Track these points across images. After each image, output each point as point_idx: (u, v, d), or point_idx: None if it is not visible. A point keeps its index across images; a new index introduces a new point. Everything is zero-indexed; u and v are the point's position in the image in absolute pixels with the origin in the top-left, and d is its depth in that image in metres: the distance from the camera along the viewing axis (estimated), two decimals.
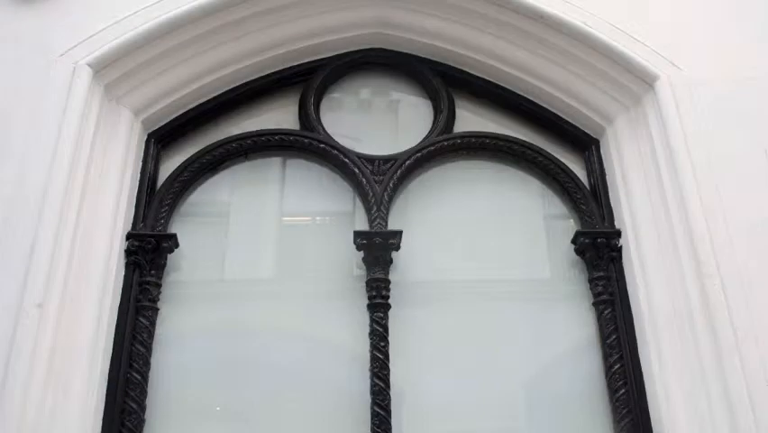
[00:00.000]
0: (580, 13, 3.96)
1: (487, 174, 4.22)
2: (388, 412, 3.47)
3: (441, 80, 4.33)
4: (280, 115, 4.28)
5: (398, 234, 3.83)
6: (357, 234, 3.83)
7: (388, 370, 3.55)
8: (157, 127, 4.08)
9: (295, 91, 4.31)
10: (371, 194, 3.94)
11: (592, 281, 3.83)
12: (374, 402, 3.48)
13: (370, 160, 4.04)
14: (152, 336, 3.60)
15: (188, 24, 3.90)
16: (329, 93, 4.40)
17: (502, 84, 4.29)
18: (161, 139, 4.10)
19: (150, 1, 3.85)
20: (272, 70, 4.26)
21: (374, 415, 3.46)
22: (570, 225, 4.08)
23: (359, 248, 3.82)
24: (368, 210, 3.92)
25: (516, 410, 3.65)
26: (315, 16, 4.18)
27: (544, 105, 4.25)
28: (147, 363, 3.53)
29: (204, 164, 4.07)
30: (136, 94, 3.91)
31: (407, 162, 4.05)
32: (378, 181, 3.97)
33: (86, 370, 3.27)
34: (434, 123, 4.26)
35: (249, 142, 4.12)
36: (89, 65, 3.69)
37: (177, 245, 3.85)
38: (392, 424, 3.46)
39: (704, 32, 4.01)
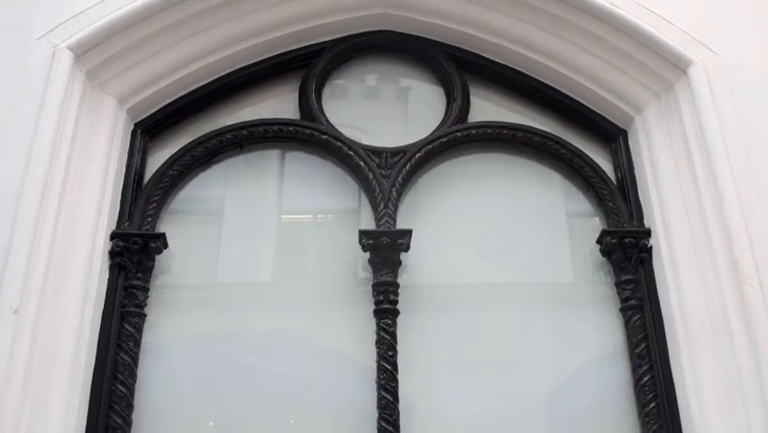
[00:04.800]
0: None
1: (504, 168, 4.21)
2: (397, 428, 3.45)
3: (454, 66, 4.31)
4: (279, 104, 4.27)
5: (408, 233, 3.82)
6: (363, 234, 3.81)
7: (397, 382, 3.53)
8: (144, 117, 4.06)
9: (295, 77, 4.30)
10: (378, 190, 3.92)
11: (619, 285, 3.81)
12: (381, 417, 3.47)
13: (377, 152, 4.03)
14: (139, 345, 3.59)
15: (178, 4, 3.89)
16: (332, 79, 4.38)
17: (521, 69, 4.29)
18: (149, 130, 4.08)
19: None
20: (270, 55, 4.25)
21: (381, 431, 3.44)
22: (595, 224, 4.08)
23: (365, 249, 3.81)
24: (374, 207, 3.91)
25: (537, 426, 3.64)
26: None
27: (567, 93, 4.25)
28: (133, 375, 3.51)
29: (195, 157, 4.05)
30: (121, 80, 3.89)
31: (418, 155, 4.04)
32: (385, 176, 3.96)
33: (66, 382, 3.25)
34: (446, 112, 4.25)
35: (244, 132, 4.11)
36: (70, 48, 3.67)
37: (166, 246, 3.83)
38: None
39: (741, 13, 4.03)
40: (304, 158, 4.18)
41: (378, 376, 3.55)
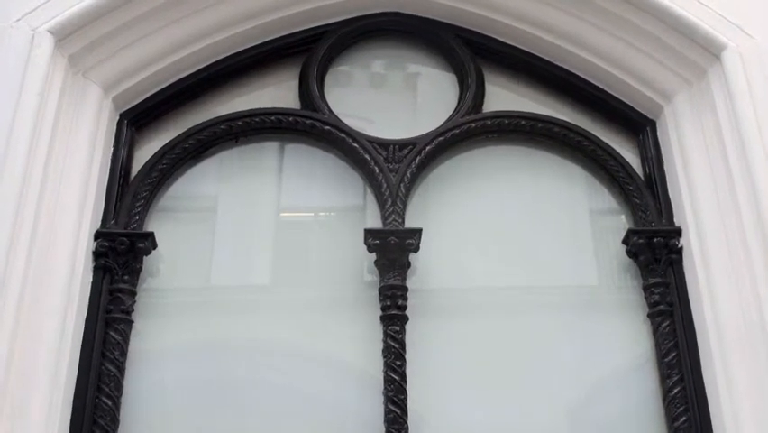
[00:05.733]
0: None
1: (522, 162, 4.19)
2: None
3: (468, 50, 4.29)
4: (277, 92, 4.26)
5: (417, 232, 3.80)
6: (368, 233, 3.79)
7: (405, 394, 3.51)
8: (131, 106, 4.04)
9: (295, 63, 4.28)
10: (385, 185, 3.90)
11: (647, 289, 3.78)
12: (388, 432, 3.44)
13: (384, 145, 4.01)
14: (125, 354, 3.56)
15: None
16: (335, 66, 4.37)
17: (540, 55, 4.27)
18: (136, 120, 4.06)
19: None
20: (267, 39, 4.24)
21: None
22: (620, 223, 4.07)
23: (370, 249, 3.78)
24: (381, 204, 3.89)
25: None
26: None
27: (591, 81, 4.23)
28: (119, 386, 3.48)
29: (186, 150, 4.03)
30: (106, 66, 3.86)
31: (428, 148, 4.02)
32: (393, 170, 3.93)
33: (46, 394, 3.22)
34: (459, 101, 4.23)
35: (240, 123, 4.08)
36: (50, 32, 3.63)
37: (154, 246, 3.81)
38: None
39: None
40: (304, 150, 4.15)
41: (385, 388, 3.52)
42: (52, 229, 3.44)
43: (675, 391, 3.53)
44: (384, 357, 3.56)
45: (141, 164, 3.95)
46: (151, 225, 3.88)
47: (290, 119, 4.09)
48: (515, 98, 4.28)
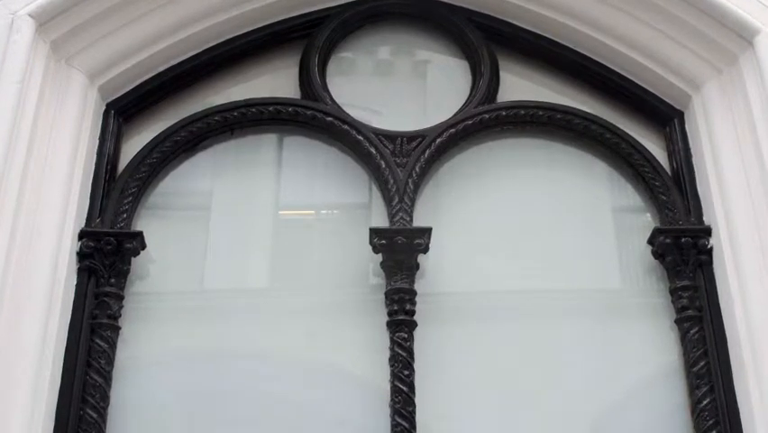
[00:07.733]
0: None
1: (540, 156, 4.16)
2: None
3: (481, 35, 4.27)
4: (276, 81, 4.24)
5: (426, 232, 3.77)
6: (374, 233, 3.77)
7: (414, 406, 3.49)
8: (118, 96, 4.03)
9: (294, 50, 4.27)
10: (392, 181, 3.87)
11: (675, 293, 3.75)
12: None
13: (391, 137, 3.99)
14: (112, 363, 3.54)
15: None
16: (338, 52, 4.36)
17: (559, 40, 4.25)
18: (124, 111, 4.05)
19: None
20: (265, 23, 4.22)
21: None
22: (646, 221, 4.04)
23: (376, 250, 3.76)
24: (388, 202, 3.87)
25: None
26: None
27: (614, 68, 4.21)
28: (105, 397, 3.46)
29: (178, 143, 4.01)
30: (91, 53, 3.84)
31: (438, 140, 3.99)
32: (400, 164, 3.91)
33: (27, 406, 3.21)
34: (472, 90, 4.20)
35: (235, 114, 4.07)
36: (31, 16, 3.61)
37: (143, 246, 3.78)
38: None
39: None
40: (305, 144, 4.13)
41: (392, 399, 3.50)
42: (33, 228, 3.41)
43: (705, 402, 3.50)
44: (391, 366, 3.54)
45: (130, 158, 3.92)
46: (140, 224, 3.85)
47: (290, 110, 4.07)
48: (532, 87, 4.26)
